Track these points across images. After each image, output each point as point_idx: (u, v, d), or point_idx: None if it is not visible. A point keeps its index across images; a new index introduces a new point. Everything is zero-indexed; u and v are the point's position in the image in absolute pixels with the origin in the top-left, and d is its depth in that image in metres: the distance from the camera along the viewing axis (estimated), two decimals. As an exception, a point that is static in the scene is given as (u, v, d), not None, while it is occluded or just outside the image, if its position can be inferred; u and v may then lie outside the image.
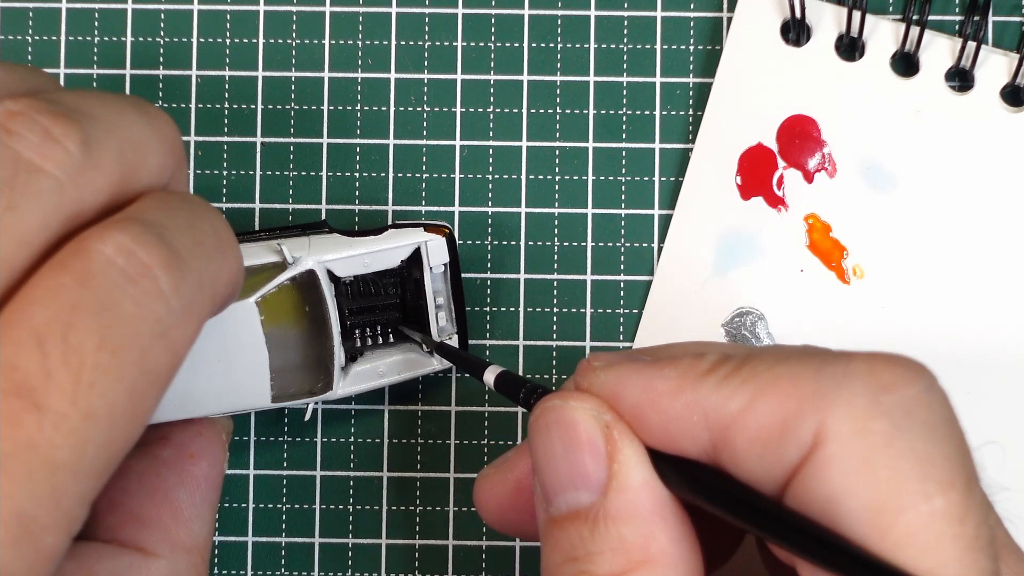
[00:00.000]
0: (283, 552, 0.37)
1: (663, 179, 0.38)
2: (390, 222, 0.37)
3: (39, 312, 0.22)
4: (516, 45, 0.38)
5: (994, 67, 0.37)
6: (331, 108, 0.38)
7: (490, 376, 0.31)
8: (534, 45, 0.38)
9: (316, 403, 0.35)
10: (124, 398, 0.23)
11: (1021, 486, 0.36)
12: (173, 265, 0.23)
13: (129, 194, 0.25)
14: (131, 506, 0.31)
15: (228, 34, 0.38)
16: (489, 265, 0.38)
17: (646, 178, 0.38)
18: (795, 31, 0.37)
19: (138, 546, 0.30)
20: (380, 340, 0.36)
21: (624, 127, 0.38)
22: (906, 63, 0.37)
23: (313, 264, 0.33)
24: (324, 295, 0.33)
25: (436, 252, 0.35)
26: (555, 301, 0.38)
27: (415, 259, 0.35)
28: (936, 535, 0.21)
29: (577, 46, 0.38)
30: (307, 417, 0.36)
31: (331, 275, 0.34)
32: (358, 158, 0.38)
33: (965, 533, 0.21)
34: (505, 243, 0.38)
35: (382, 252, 0.34)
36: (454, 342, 0.36)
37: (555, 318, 0.38)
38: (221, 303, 0.26)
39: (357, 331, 0.35)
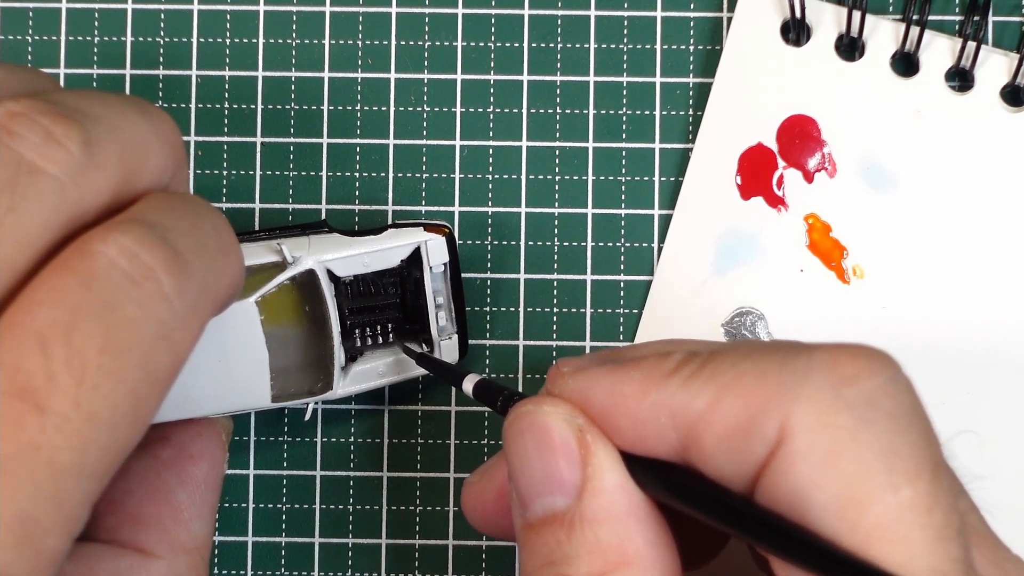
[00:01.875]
0: (283, 552, 0.37)
1: (663, 179, 0.38)
2: (390, 222, 0.37)
3: (42, 314, 0.22)
4: (516, 45, 0.38)
5: (994, 67, 0.37)
6: (331, 108, 0.38)
7: (468, 385, 0.31)
8: (534, 45, 0.38)
9: (316, 403, 0.35)
10: (127, 400, 0.23)
11: (997, 475, 0.36)
12: (176, 267, 0.23)
13: (131, 195, 0.25)
14: (131, 507, 0.31)
15: (228, 34, 0.38)
16: (489, 265, 0.38)
17: (646, 178, 0.38)
18: (795, 31, 0.37)
19: (138, 547, 0.30)
20: (380, 340, 0.36)
21: (624, 127, 0.38)
22: (906, 63, 0.37)
23: (313, 264, 0.33)
24: (324, 295, 0.33)
25: (436, 252, 0.35)
26: (555, 301, 0.38)
27: (415, 259, 0.35)
28: (905, 526, 0.21)
29: (577, 46, 0.38)
30: (307, 417, 0.36)
31: (331, 275, 0.34)
32: (358, 158, 0.38)
33: (933, 523, 0.21)
34: (505, 243, 0.38)
35: (382, 252, 0.34)
36: (454, 342, 0.36)
37: (555, 318, 0.38)
38: (223, 304, 0.26)
39: (357, 331, 0.35)
